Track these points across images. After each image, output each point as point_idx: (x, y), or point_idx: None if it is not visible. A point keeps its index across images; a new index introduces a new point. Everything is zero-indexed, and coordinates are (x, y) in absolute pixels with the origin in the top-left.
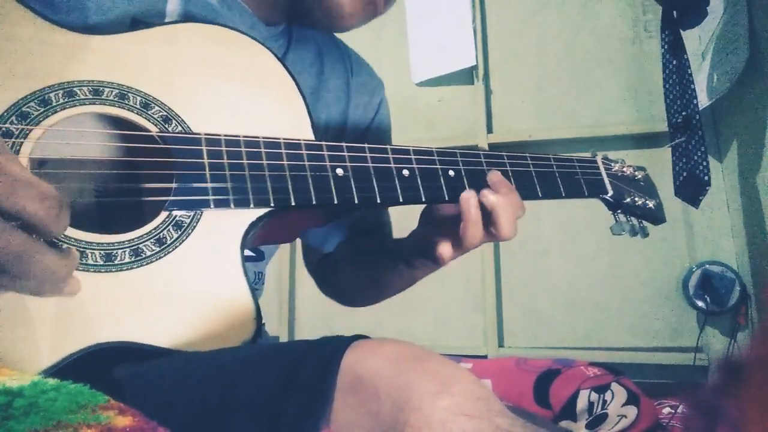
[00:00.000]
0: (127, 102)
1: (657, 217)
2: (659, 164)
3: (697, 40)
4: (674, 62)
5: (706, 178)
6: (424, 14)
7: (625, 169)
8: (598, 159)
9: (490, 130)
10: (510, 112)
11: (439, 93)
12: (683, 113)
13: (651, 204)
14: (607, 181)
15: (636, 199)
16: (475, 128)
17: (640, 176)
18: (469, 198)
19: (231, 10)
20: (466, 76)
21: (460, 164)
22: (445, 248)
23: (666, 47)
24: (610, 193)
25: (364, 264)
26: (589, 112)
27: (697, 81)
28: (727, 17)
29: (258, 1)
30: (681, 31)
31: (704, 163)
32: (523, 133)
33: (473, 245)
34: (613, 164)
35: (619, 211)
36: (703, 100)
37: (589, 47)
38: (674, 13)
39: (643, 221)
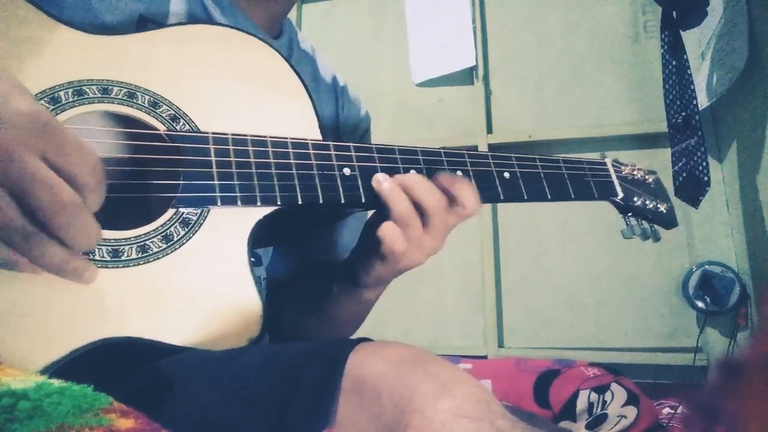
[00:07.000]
0: (135, 101)
1: (668, 221)
2: (659, 164)
3: (697, 40)
4: (674, 62)
5: (706, 178)
6: (424, 14)
7: (635, 172)
8: (608, 161)
9: (489, 130)
10: (510, 113)
11: (439, 93)
12: (683, 113)
13: (662, 208)
14: (617, 183)
15: (647, 202)
16: (475, 128)
17: (651, 180)
18: (382, 180)
19: (235, 19)
20: (465, 77)
21: (468, 165)
22: (391, 234)
23: (666, 47)
24: (620, 195)
25: (308, 297)
26: (588, 112)
27: (696, 81)
28: (727, 17)
29: (260, 13)
30: (681, 31)
31: (704, 164)
32: (522, 133)
33: (408, 222)
34: (623, 167)
35: (629, 214)
36: (702, 100)
37: (589, 47)
38: (674, 13)
39: (655, 225)
